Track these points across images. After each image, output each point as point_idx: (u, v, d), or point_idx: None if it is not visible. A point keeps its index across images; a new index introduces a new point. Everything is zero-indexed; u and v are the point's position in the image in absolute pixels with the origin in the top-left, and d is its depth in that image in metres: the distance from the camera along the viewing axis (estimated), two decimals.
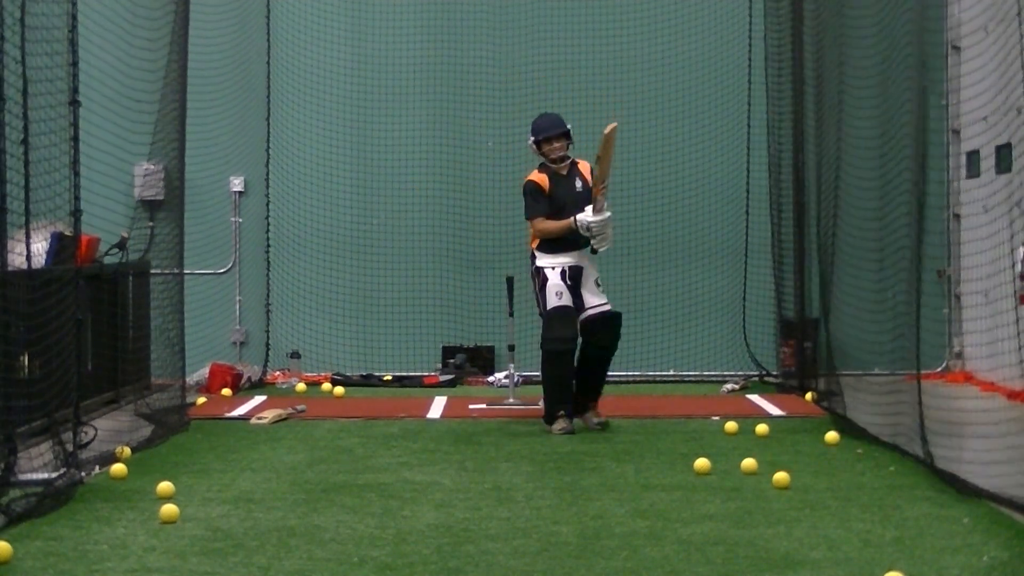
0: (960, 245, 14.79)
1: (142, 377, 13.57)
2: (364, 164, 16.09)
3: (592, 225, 11.52)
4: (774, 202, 15.40)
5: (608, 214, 11.60)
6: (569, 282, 11.66)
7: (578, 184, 11.77)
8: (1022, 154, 11.58)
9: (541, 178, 11.80)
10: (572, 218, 11.57)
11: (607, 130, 11.45)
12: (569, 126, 11.89)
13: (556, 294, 11.64)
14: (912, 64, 12.09)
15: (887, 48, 12.41)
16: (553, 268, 11.68)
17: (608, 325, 11.72)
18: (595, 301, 11.70)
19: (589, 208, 11.56)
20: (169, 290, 13.24)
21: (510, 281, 13.63)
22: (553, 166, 11.81)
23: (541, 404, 11.96)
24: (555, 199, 11.70)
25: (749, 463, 9.66)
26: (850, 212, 12.97)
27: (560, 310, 11.59)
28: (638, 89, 16.04)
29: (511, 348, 13.59)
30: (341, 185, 16.07)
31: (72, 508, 8.57)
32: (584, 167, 11.85)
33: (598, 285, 11.76)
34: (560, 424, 11.57)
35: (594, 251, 11.72)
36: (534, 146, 11.88)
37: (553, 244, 11.71)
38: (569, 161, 11.84)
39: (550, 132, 11.79)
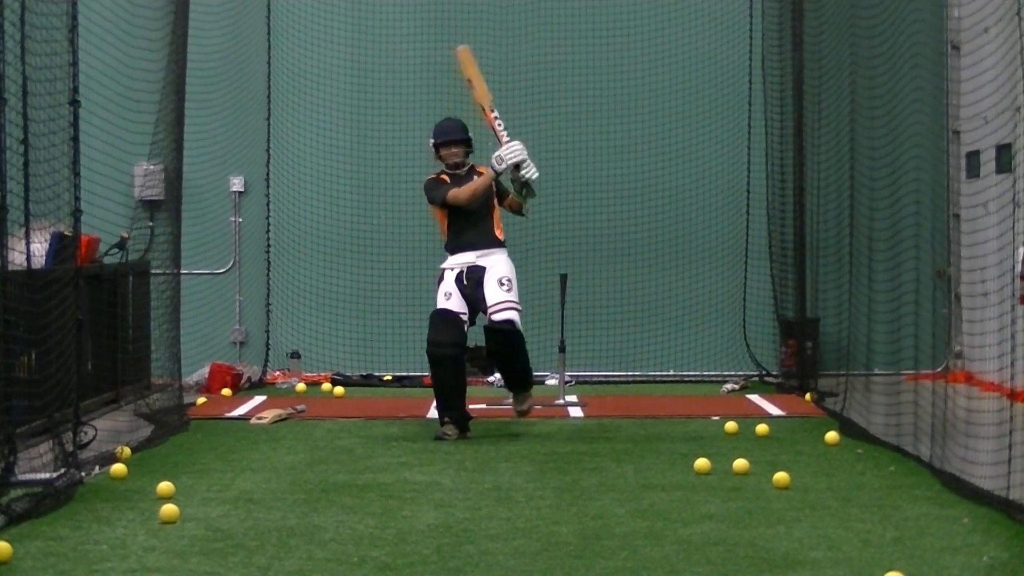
0: (960, 245, 14.78)
1: (142, 377, 13.57)
2: (364, 164, 16.09)
3: (504, 156, 11.35)
4: (773, 202, 15.41)
5: (515, 142, 11.41)
6: (465, 282, 11.39)
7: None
8: (1021, 150, 11.56)
9: (440, 176, 11.62)
10: (488, 168, 11.39)
11: (457, 52, 11.69)
12: (470, 134, 11.69)
13: (444, 295, 11.43)
14: (919, 64, 12.09)
15: (894, 47, 12.40)
16: (452, 269, 11.48)
17: (501, 337, 11.39)
18: (496, 299, 11.31)
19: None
20: (169, 290, 13.24)
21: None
22: (449, 171, 11.61)
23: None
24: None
25: (741, 464, 9.66)
26: (859, 212, 12.96)
27: (442, 313, 11.37)
28: (638, 89, 16.04)
29: None
30: (341, 185, 16.07)
31: (72, 508, 8.57)
32: (483, 171, 11.52)
33: (502, 284, 11.36)
34: (443, 430, 11.36)
35: (526, 191, 11.45)
36: (432, 149, 11.69)
37: (455, 243, 11.50)
38: (468, 167, 11.61)
39: (448, 137, 11.60)
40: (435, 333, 11.38)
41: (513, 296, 11.38)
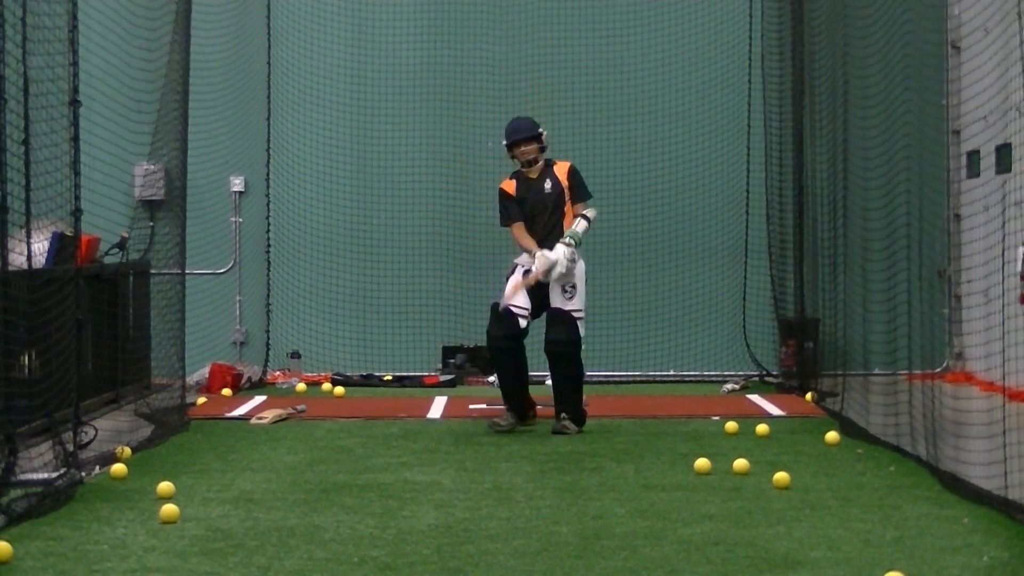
0: (960, 245, 14.79)
1: (142, 377, 13.57)
2: (364, 164, 16.09)
3: (537, 260, 11.48)
4: (773, 202, 15.41)
5: (553, 257, 11.44)
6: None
7: (547, 186, 11.74)
8: (1021, 148, 11.58)
9: (508, 184, 11.86)
10: (535, 250, 11.55)
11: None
12: (541, 130, 11.85)
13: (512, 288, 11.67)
14: (911, 64, 12.09)
15: (887, 47, 12.41)
16: (522, 265, 11.70)
17: (558, 320, 11.61)
18: (558, 304, 11.60)
19: (558, 246, 11.51)
20: (169, 290, 13.24)
21: None
22: (523, 170, 11.84)
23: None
24: (523, 201, 11.72)
25: (741, 464, 9.66)
26: (854, 212, 12.97)
27: (503, 308, 11.62)
28: (638, 89, 16.05)
29: None
30: (341, 185, 16.07)
31: (72, 508, 8.57)
32: (560, 168, 11.82)
33: (565, 291, 11.58)
34: (496, 420, 11.69)
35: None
36: (506, 150, 11.91)
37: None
38: (541, 163, 11.81)
39: (519, 136, 11.80)
40: (490, 324, 11.76)
41: (575, 304, 11.66)
